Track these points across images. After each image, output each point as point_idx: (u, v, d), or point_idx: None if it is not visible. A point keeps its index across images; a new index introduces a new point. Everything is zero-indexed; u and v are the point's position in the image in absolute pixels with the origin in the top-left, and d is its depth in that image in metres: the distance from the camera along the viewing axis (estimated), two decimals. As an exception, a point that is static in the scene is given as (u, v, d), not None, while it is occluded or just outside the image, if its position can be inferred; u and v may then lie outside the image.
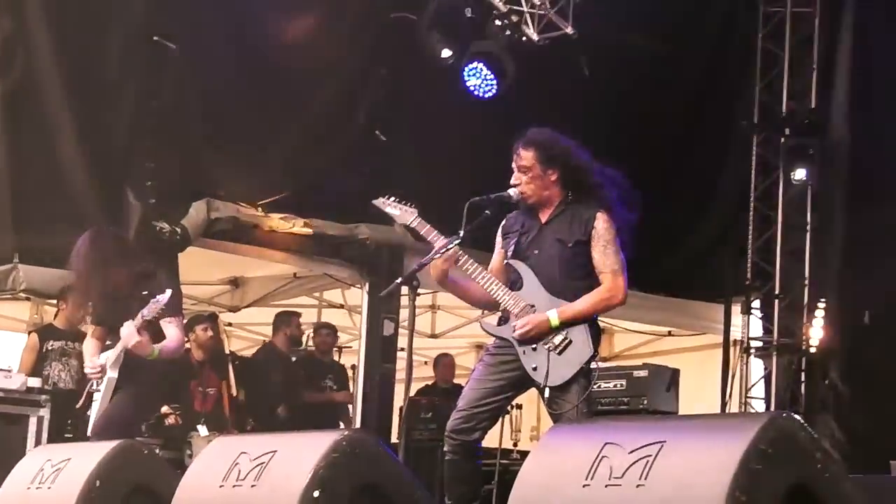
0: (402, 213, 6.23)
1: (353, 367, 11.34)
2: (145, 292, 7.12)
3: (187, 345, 10.13)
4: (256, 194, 10.22)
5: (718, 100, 12.05)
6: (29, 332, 10.17)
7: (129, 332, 7.08)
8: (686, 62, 11.96)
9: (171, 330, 7.34)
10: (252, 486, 4.71)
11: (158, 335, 7.30)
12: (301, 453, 4.63)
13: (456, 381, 12.33)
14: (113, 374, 7.30)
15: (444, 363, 12.59)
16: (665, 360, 11.25)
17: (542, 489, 3.98)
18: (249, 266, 12.13)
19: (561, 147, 6.05)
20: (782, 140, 11.82)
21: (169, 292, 7.05)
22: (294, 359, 11.41)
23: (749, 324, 12.00)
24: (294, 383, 11.07)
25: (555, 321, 5.83)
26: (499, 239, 6.23)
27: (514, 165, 6.03)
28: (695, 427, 3.93)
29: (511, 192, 6.02)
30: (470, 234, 5.93)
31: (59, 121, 9.44)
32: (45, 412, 8.61)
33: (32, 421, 8.55)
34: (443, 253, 5.88)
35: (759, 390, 12.01)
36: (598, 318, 6.02)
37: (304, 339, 11.51)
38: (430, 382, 12.56)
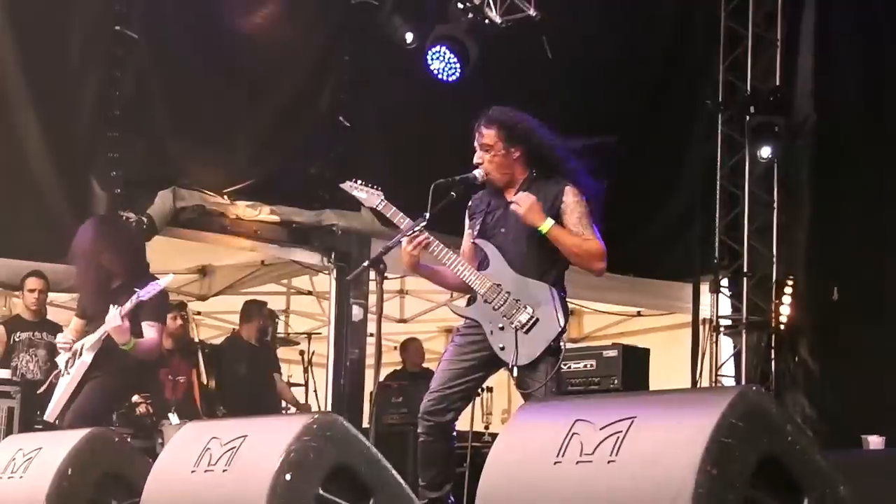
0: (368, 195, 6.23)
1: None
2: (137, 289, 7.15)
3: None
4: (222, 182, 10.20)
5: (683, 78, 12.08)
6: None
7: (113, 315, 7.10)
8: (649, 42, 11.99)
9: (151, 333, 7.38)
10: (223, 470, 4.70)
11: (138, 333, 7.32)
12: (272, 437, 4.63)
13: (425, 365, 12.35)
14: (88, 357, 7.31)
15: (411, 348, 12.61)
16: (635, 341, 11.32)
17: (513, 468, 3.99)
18: (217, 254, 12.11)
19: (524, 125, 6.05)
20: (747, 118, 11.84)
21: (158, 286, 7.06)
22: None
23: (718, 302, 12.03)
24: (261, 373, 11.02)
25: (546, 227, 5.84)
26: (467, 220, 6.24)
27: (476, 144, 6.04)
28: (665, 402, 3.94)
29: (476, 172, 6.02)
30: (436, 217, 5.93)
31: (21, 112, 9.40)
32: (14, 403, 8.61)
33: (2, 412, 8.55)
34: (409, 235, 5.88)
35: (729, 368, 12.04)
36: (566, 297, 6.03)
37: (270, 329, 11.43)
38: (398, 367, 12.57)
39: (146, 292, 7.08)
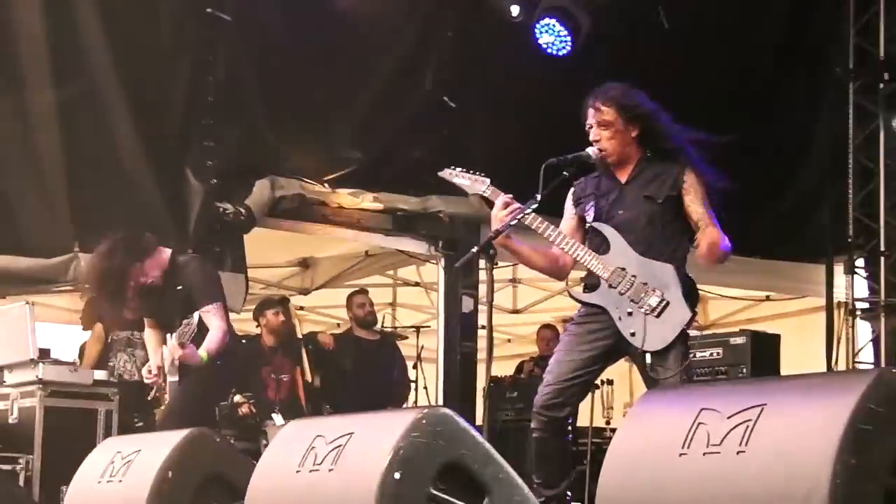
0: (472, 182, 6.23)
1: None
2: (179, 287, 7.22)
3: (258, 330, 10.22)
4: (322, 169, 10.22)
5: (810, 46, 11.88)
6: (94, 323, 10.28)
7: (172, 348, 7.21)
8: (773, 6, 11.81)
9: (212, 321, 7.42)
10: (330, 470, 4.72)
11: (204, 329, 7.40)
12: (379, 434, 4.64)
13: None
14: (173, 378, 7.40)
15: (540, 336, 12.60)
16: (764, 327, 11.15)
17: (635, 460, 3.96)
18: (319, 246, 12.18)
19: (642, 105, 6.05)
20: (881, 86, 11.63)
21: (197, 316, 7.15)
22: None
23: (853, 284, 11.84)
24: (366, 370, 11.00)
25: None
26: (569, 205, 6.22)
27: (591, 121, 6.01)
28: (797, 388, 3.87)
29: (589, 150, 6.00)
30: (547, 199, 5.91)
31: (113, 103, 9.50)
32: (113, 406, 8.72)
33: (101, 415, 8.67)
34: (520, 217, 5.87)
35: (867, 354, 11.83)
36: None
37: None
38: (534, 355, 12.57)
39: (193, 321, 7.12)
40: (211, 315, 7.41)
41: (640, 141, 6.05)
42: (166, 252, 7.70)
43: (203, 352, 7.31)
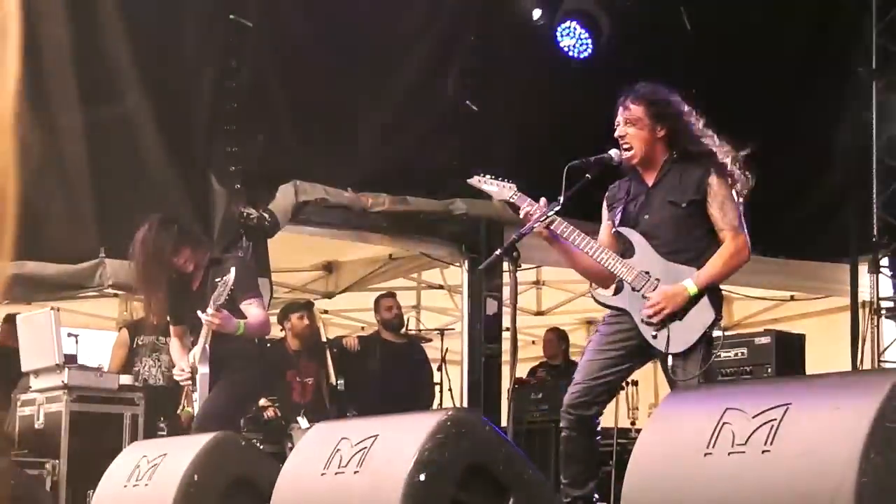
0: (499, 189, 6.21)
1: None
2: (217, 279, 7.18)
3: (282, 334, 10.23)
4: (345, 174, 10.22)
5: (833, 46, 11.84)
6: (119, 328, 10.31)
7: (207, 319, 7.16)
8: (795, 7, 11.77)
9: (253, 310, 7.40)
10: (355, 472, 4.73)
11: (240, 317, 7.37)
12: (404, 436, 4.64)
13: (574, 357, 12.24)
14: (204, 369, 7.36)
15: (544, 339, 12.59)
16: (789, 327, 11.14)
17: (660, 461, 3.95)
18: (342, 249, 12.18)
19: (673, 106, 6.04)
20: (905, 86, 11.57)
21: (233, 271, 7.08)
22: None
23: (878, 283, 11.78)
24: (391, 372, 10.99)
25: (693, 290, 5.79)
26: (605, 210, 6.22)
27: (619, 118, 6.00)
28: (822, 387, 3.86)
29: (612, 152, 6.00)
30: (571, 201, 5.90)
31: (137, 109, 9.52)
32: (139, 410, 8.75)
33: (127, 419, 8.70)
34: (543, 221, 5.86)
35: (892, 354, 11.77)
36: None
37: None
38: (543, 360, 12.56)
39: (230, 278, 7.07)
40: (252, 306, 7.40)
41: (666, 142, 6.03)
42: (205, 252, 7.69)
43: (241, 322, 7.29)
